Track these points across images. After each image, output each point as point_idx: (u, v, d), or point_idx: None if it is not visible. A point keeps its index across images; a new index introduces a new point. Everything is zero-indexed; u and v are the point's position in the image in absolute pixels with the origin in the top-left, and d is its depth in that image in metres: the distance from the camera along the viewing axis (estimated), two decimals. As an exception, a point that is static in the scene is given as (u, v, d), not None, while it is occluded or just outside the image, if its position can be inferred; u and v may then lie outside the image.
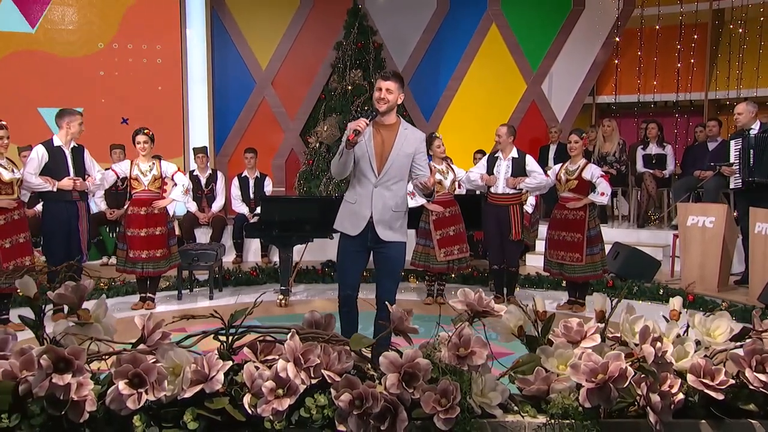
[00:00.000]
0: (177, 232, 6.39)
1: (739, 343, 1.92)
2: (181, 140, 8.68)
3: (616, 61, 9.68)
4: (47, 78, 8.18)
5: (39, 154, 5.13)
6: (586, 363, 1.70)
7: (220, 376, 1.62)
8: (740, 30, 9.11)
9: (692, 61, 9.42)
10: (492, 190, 5.75)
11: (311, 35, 9.26)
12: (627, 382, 1.67)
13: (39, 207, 6.12)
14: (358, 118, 3.45)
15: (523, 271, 6.73)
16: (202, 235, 7.77)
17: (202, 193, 7.87)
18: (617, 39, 9.42)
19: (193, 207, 7.75)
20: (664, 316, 2.03)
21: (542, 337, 1.93)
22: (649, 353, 1.72)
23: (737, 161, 6.22)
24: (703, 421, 1.81)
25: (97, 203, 7.36)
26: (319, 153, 8.46)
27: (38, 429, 1.56)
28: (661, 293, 6.04)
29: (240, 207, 7.91)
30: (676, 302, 2.11)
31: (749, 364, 1.83)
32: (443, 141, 5.85)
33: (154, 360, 1.65)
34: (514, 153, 5.69)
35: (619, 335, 1.89)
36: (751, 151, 6.08)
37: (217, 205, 7.97)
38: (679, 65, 9.45)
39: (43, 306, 1.82)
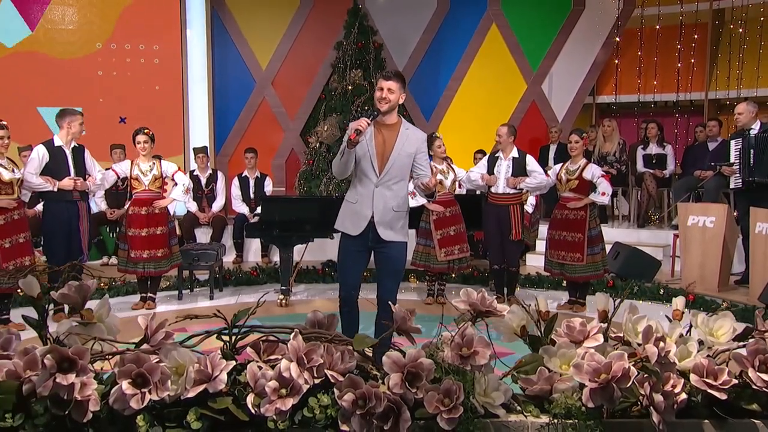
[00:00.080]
0: (177, 231, 6.39)
1: (742, 343, 1.92)
2: (181, 140, 8.67)
3: (617, 61, 9.68)
4: (47, 78, 8.18)
5: (39, 154, 5.13)
6: (589, 363, 1.70)
7: (224, 376, 1.62)
8: (740, 30, 9.11)
9: (692, 61, 9.42)
10: (492, 189, 5.75)
11: (311, 35, 9.26)
12: (630, 382, 1.66)
13: (39, 207, 6.12)
14: (359, 118, 3.45)
15: (523, 271, 6.74)
16: (203, 235, 7.77)
17: (202, 193, 7.86)
18: (617, 39, 9.42)
19: (193, 207, 7.75)
20: (666, 316, 2.03)
21: (545, 337, 1.93)
22: (652, 353, 1.72)
23: (737, 161, 6.22)
24: (706, 421, 1.81)
25: (98, 203, 7.35)
26: (319, 153, 8.46)
27: (42, 429, 1.56)
28: (661, 293, 6.05)
29: (240, 207, 7.91)
30: (679, 302, 2.10)
31: (752, 364, 1.82)
32: (443, 141, 5.86)
33: (158, 360, 1.64)
34: (515, 153, 5.69)
35: (621, 335, 1.88)
36: (752, 150, 6.08)
37: (218, 205, 7.97)
38: (679, 65, 9.46)
39: (46, 306, 1.82)
